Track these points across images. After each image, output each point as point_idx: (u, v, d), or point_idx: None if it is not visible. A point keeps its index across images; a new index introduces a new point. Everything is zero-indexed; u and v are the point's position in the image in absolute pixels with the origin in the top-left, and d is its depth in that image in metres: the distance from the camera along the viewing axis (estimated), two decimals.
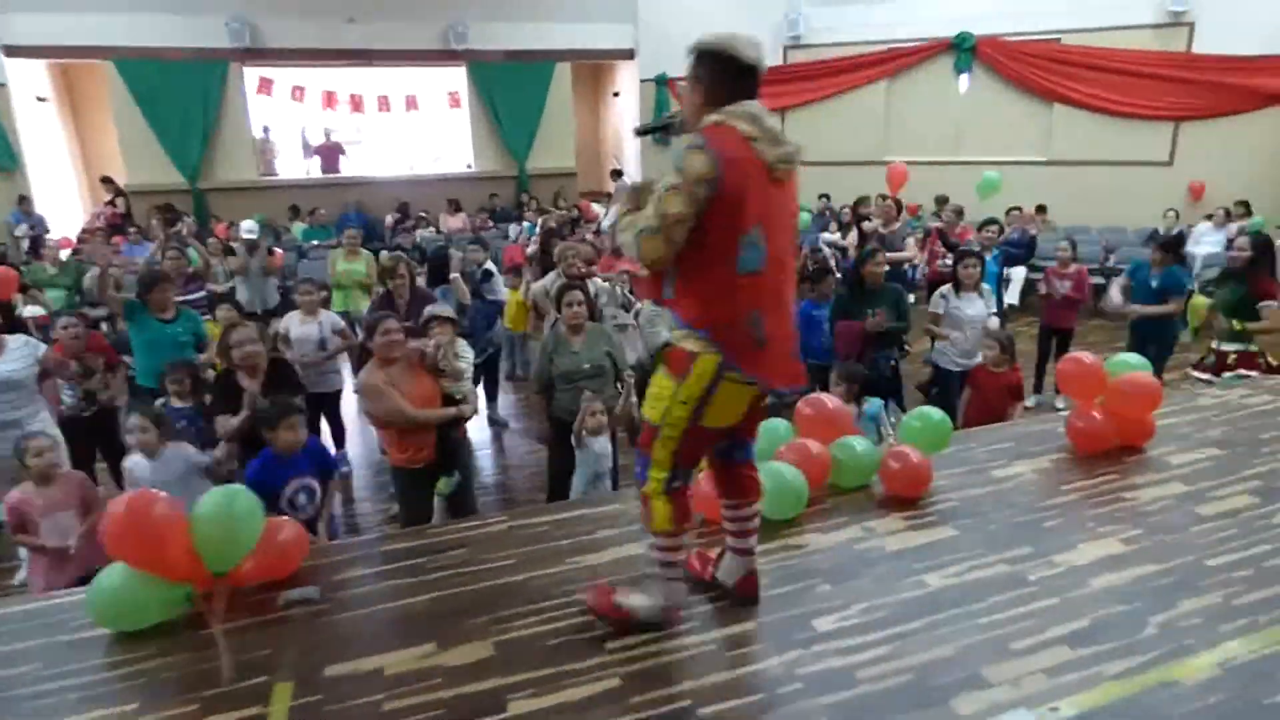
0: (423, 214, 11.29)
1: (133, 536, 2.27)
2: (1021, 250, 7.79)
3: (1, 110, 10.48)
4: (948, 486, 3.17)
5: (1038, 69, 10.98)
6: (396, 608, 2.48)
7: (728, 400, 2.06)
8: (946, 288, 5.16)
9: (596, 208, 10.47)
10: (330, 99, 11.81)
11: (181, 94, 10.98)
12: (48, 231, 10.40)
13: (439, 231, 11.05)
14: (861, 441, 3.23)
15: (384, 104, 12.02)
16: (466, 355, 4.17)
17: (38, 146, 11.11)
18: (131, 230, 9.64)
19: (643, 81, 12.76)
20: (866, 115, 11.93)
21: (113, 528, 2.27)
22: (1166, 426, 3.69)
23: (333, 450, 5.13)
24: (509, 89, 12.20)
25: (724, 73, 1.98)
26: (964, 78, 11.43)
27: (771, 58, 12.07)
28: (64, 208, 11.52)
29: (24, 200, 10.51)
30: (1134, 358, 3.80)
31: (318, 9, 11.07)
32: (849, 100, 12.04)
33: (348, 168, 12.84)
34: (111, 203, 11.27)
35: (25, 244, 10.03)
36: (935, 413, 3.41)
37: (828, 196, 10.88)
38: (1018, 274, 8.55)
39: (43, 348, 4.36)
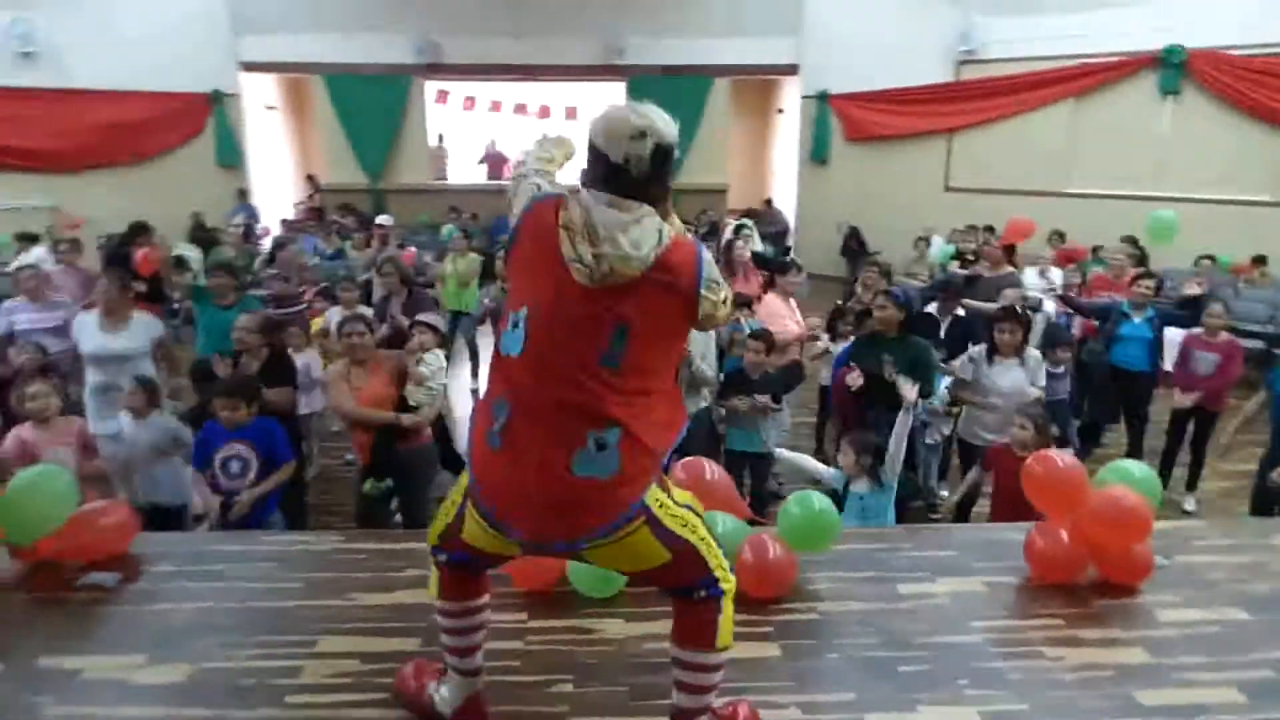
0: None
1: None
2: (1183, 313, 6.43)
3: (234, 115, 12.41)
4: (827, 592, 2.68)
5: (1266, 88, 9.08)
6: (154, 611, 2.57)
7: (475, 529, 1.77)
8: (978, 350, 4.43)
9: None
10: (496, 107, 12.67)
11: (371, 104, 12.31)
12: (259, 221, 12.14)
13: None
14: (728, 520, 2.74)
15: (545, 113, 12.65)
16: (434, 363, 4.27)
17: (260, 148, 12.97)
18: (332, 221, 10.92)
19: (804, 98, 12.29)
20: (1047, 141, 10.55)
21: None
22: (1198, 564, 2.87)
23: None
24: (665, 104, 12.21)
25: (593, 158, 1.71)
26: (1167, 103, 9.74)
27: (940, 73, 11.18)
28: (278, 201, 13.34)
29: (242, 193, 12.34)
30: (1138, 468, 2.96)
31: (492, 28, 11.88)
32: (1026, 123, 10.72)
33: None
34: (310, 198, 12.93)
35: (240, 231, 11.83)
36: (819, 500, 2.77)
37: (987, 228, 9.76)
38: (1175, 337, 7.14)
39: (162, 330, 4.74)
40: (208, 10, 11.77)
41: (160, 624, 2.51)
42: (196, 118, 12.23)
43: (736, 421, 4.61)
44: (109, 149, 11.63)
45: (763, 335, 4.73)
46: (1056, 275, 7.15)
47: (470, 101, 12.73)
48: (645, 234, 1.64)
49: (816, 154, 12.45)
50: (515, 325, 1.69)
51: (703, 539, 1.81)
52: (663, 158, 1.68)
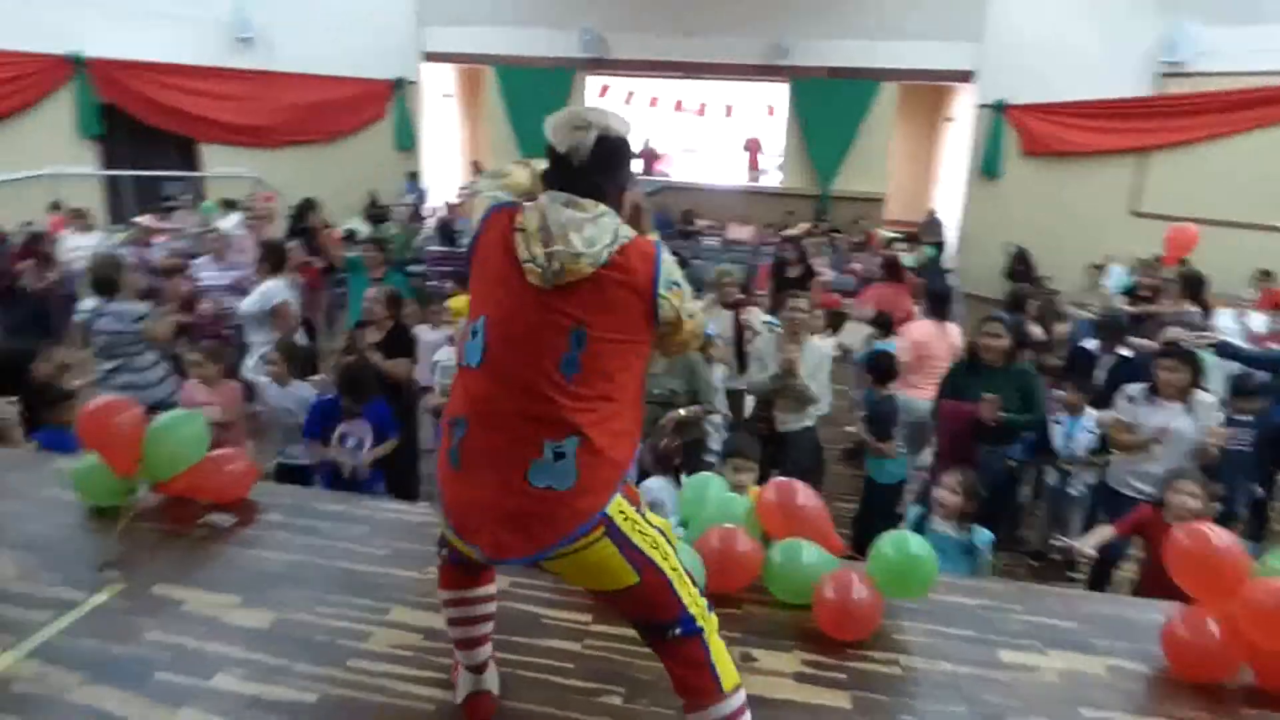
0: (709, 223, 11.66)
1: (94, 432, 2.87)
2: None
3: (413, 102, 13.25)
4: (914, 645, 2.44)
5: None
6: (255, 556, 2.77)
7: (452, 538, 1.77)
8: (1138, 388, 3.96)
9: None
10: (654, 103, 12.80)
11: (536, 96, 12.69)
12: (425, 202, 12.92)
13: (724, 241, 11.42)
14: (814, 550, 2.59)
15: (702, 111, 12.65)
16: None
17: (433, 133, 13.77)
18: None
19: (980, 107, 11.54)
20: (1260, 167, 9.32)
21: (83, 422, 2.90)
22: None
23: None
24: (827, 106, 11.94)
25: (547, 153, 1.72)
26: None
27: (1136, 85, 10.15)
28: (445, 184, 14.13)
29: (413, 176, 13.16)
30: None
31: (658, 25, 11.98)
32: (1237, 145, 9.52)
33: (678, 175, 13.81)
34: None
35: (408, 210, 12.64)
36: (916, 543, 2.53)
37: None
38: None
39: (284, 294, 5.18)
40: (398, 1, 12.61)
41: (257, 570, 2.69)
42: (380, 103, 13.15)
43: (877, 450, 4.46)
44: (303, 128, 12.69)
45: (875, 365, 4.48)
46: (1258, 321, 6.31)
47: (630, 96, 12.91)
48: (600, 232, 1.63)
49: (987, 168, 11.65)
50: (474, 334, 1.69)
51: (674, 569, 1.72)
52: (608, 152, 1.67)
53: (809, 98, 12.07)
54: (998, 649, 2.45)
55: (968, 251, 11.74)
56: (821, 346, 4.58)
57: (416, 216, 12.01)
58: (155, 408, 3.71)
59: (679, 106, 12.89)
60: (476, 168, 13.84)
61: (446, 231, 10.28)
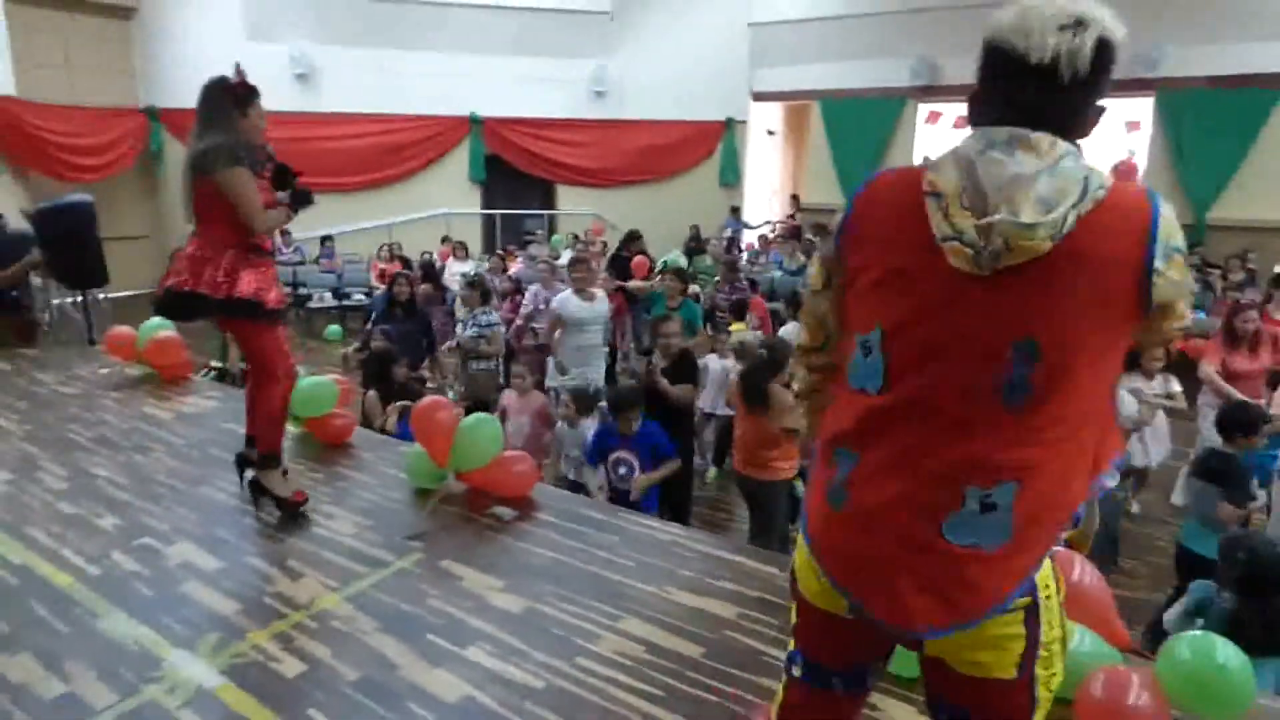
0: None
1: (421, 425, 3.49)
2: None
3: (740, 140, 13.87)
4: None
5: None
6: (524, 549, 3.13)
7: (805, 576, 1.40)
8: None
9: None
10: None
11: (861, 127, 12.57)
12: (741, 234, 13.41)
13: None
14: (1091, 640, 2.19)
15: None
16: None
17: (756, 168, 14.28)
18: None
19: None
20: None
21: (414, 416, 3.53)
22: None
23: None
24: (1206, 120, 10.11)
25: (993, 69, 1.25)
26: None
27: None
28: (764, 218, 14.51)
29: (735, 210, 13.73)
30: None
31: None
32: None
33: None
34: (791, 216, 13.78)
35: (723, 244, 13.22)
36: (1226, 651, 2.02)
37: None
38: None
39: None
40: (731, 45, 13.32)
41: (524, 560, 3.05)
42: (712, 142, 13.99)
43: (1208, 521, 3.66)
44: (642, 167, 13.97)
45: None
46: None
47: (962, 121, 12.11)
48: (1063, 185, 1.14)
49: None
50: (867, 351, 1.28)
51: (1047, 692, 1.31)
52: (1106, 62, 1.19)
53: (1185, 112, 10.31)
54: None
55: None
56: None
57: (731, 249, 12.51)
58: (481, 406, 4.43)
59: None
60: (796, 202, 14.02)
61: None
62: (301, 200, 3.12)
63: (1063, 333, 1.16)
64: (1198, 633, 2.20)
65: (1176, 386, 4.79)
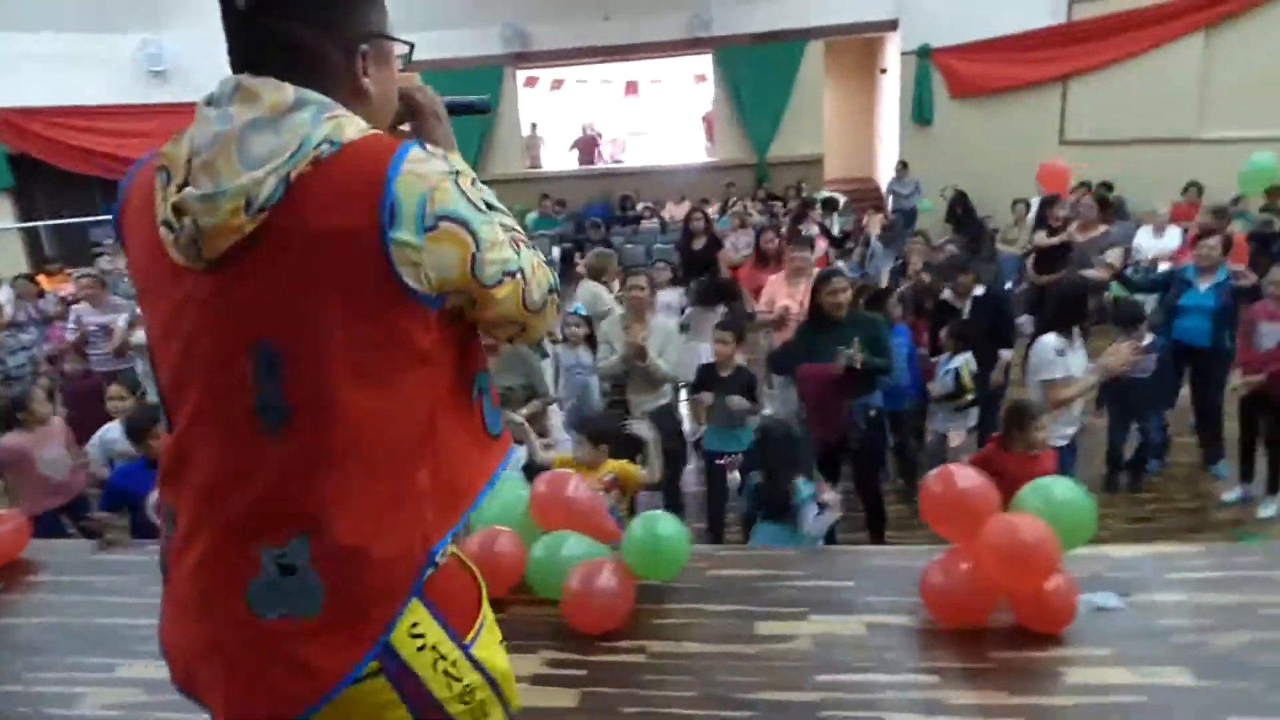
0: (648, 205, 11.64)
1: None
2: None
3: None
4: (668, 629, 2.24)
5: None
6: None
7: None
8: (1053, 340, 3.74)
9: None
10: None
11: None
12: None
13: (664, 222, 11.39)
14: (578, 541, 2.38)
15: (631, 89, 12.65)
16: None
17: None
18: None
19: (905, 55, 11.66)
20: (1174, 81, 9.59)
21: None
22: (1160, 606, 2.18)
23: None
24: (755, 72, 11.96)
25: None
26: None
27: (1051, 14, 10.34)
28: None
29: None
30: (1063, 488, 2.26)
31: (576, 10, 11.87)
32: (1150, 62, 9.77)
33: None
34: None
35: None
36: (666, 522, 2.38)
37: (1103, 184, 8.99)
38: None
39: None
40: None
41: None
42: None
43: (712, 420, 4.24)
44: None
45: (729, 325, 4.39)
46: (1173, 235, 6.50)
47: (558, 83, 12.86)
48: (287, 141, 0.91)
49: (919, 115, 11.77)
50: (154, 369, 1.07)
51: None
52: None
53: (735, 67, 12.08)
54: (755, 621, 2.26)
55: None
56: (667, 323, 4.51)
57: None
58: None
59: (631, 89, 12.84)
60: None
61: None
62: None
63: (300, 333, 0.93)
64: (648, 512, 2.50)
65: None
